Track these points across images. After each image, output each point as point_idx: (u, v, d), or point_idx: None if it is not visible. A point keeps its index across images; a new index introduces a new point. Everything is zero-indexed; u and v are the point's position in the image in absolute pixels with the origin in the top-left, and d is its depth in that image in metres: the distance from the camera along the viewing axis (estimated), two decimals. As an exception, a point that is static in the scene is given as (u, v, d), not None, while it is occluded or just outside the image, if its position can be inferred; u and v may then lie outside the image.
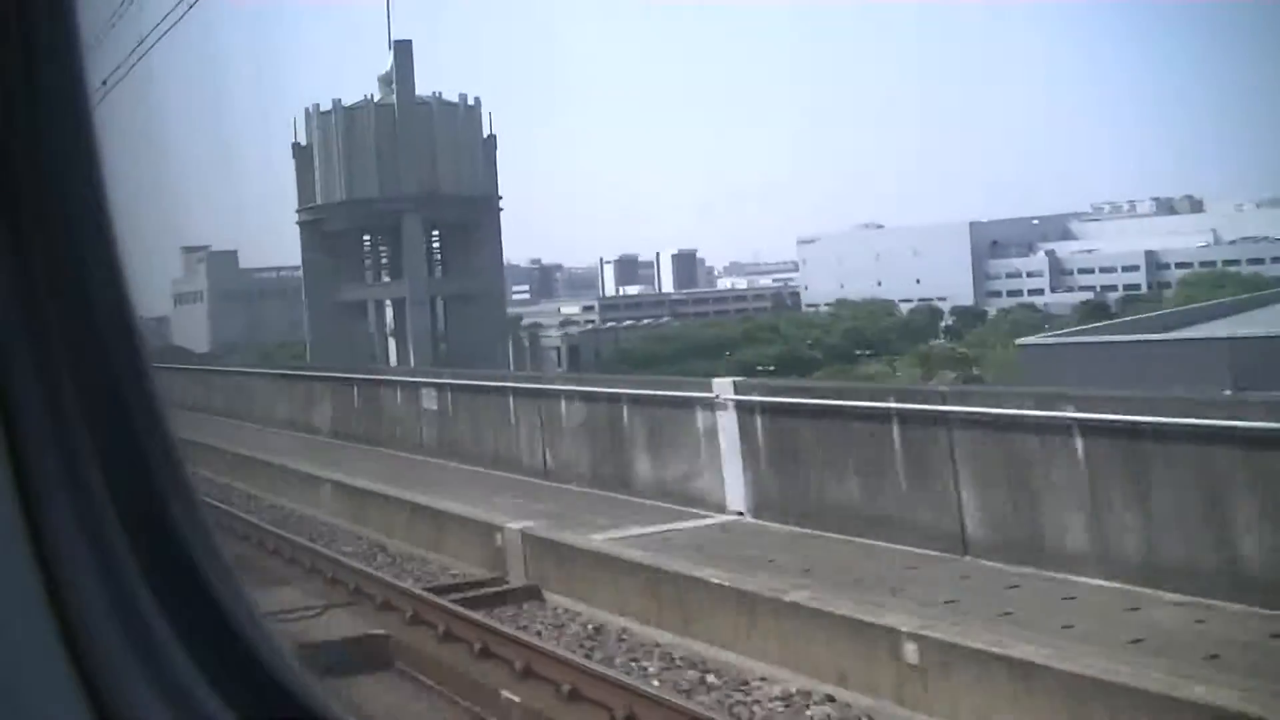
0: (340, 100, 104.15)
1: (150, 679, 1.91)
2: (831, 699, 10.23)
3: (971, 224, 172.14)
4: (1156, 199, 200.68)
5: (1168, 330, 49.77)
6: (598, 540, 14.43)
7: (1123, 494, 10.89)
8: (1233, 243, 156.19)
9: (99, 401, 1.98)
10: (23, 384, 1.86)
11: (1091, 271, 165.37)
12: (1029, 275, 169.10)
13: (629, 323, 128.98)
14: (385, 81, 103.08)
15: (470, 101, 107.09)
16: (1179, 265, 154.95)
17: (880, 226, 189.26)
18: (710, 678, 11.08)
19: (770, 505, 15.00)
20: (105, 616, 1.88)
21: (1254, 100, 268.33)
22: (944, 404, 12.93)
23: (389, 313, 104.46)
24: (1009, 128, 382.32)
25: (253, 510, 21.32)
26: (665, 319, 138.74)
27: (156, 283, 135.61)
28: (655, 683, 10.85)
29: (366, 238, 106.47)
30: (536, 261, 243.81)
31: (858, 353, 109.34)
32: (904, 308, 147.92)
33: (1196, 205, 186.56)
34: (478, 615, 12.85)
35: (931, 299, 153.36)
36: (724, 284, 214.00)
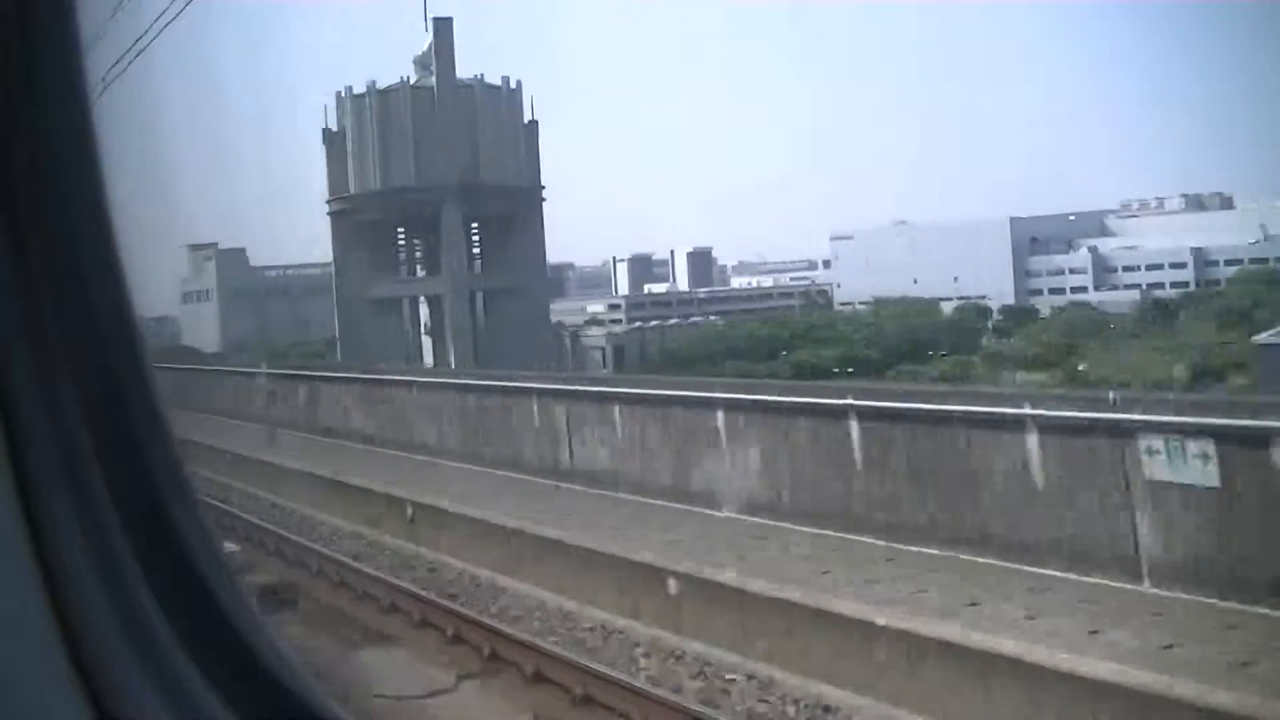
0: (375, 82, 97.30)
1: (150, 679, 1.92)
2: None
3: (1012, 220, 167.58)
4: (1186, 195, 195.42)
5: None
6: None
7: None
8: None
9: (99, 401, 1.99)
10: (23, 384, 1.87)
11: (1136, 269, 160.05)
12: (1071, 272, 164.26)
13: (674, 321, 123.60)
14: (422, 63, 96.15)
15: (512, 84, 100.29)
16: (1228, 262, 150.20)
17: (903, 223, 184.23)
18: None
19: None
20: (105, 616, 1.89)
21: (1260, 98, 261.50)
22: None
23: (423, 310, 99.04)
24: (1020, 126, 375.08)
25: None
26: (712, 317, 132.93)
27: (164, 282, 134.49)
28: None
29: (401, 230, 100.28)
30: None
31: (930, 353, 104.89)
32: (944, 306, 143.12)
33: (1226, 202, 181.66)
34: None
35: (970, 297, 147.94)
36: (737, 282, 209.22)
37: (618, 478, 19.03)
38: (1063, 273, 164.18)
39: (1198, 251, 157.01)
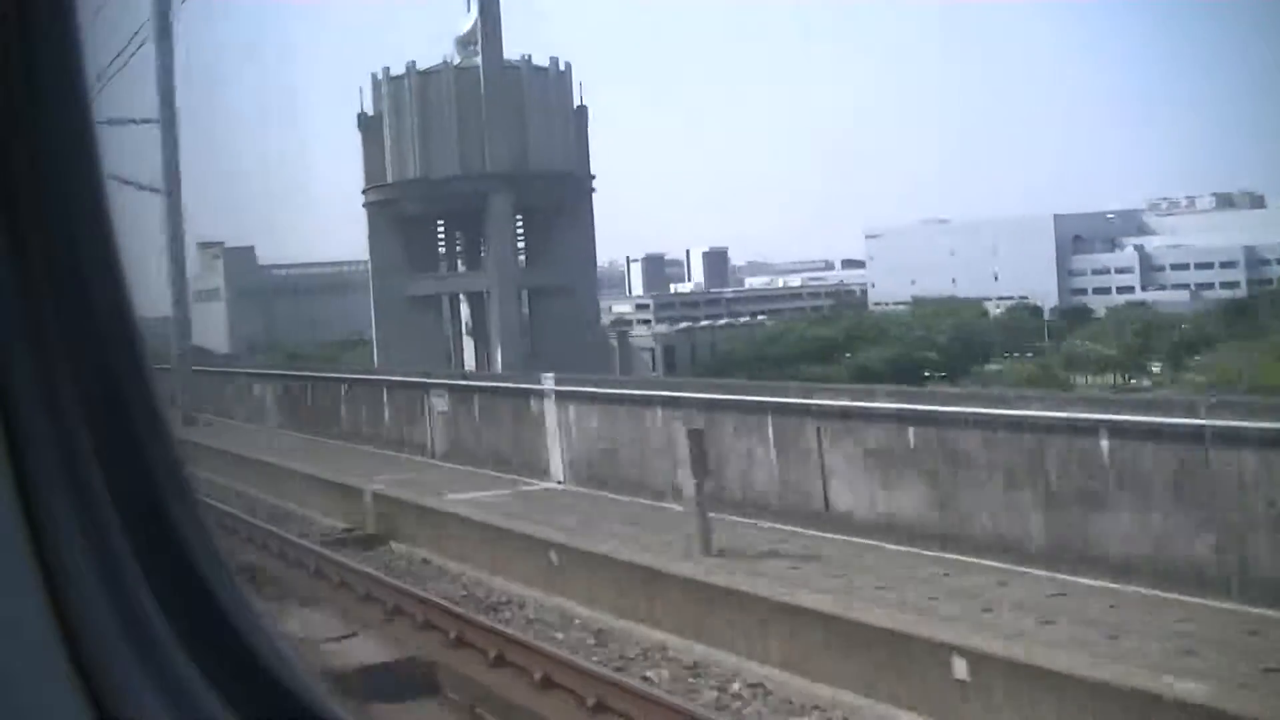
0: (414, 63, 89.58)
1: (150, 679, 1.93)
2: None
3: (1056, 217, 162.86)
4: (1217, 194, 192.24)
5: None
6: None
7: None
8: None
9: (99, 401, 2.00)
10: (23, 384, 1.88)
11: (1185, 267, 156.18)
12: (1117, 271, 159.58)
13: (725, 321, 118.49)
14: (463, 43, 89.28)
15: (560, 67, 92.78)
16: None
17: (943, 220, 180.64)
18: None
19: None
20: (105, 616, 1.90)
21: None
22: None
23: (464, 308, 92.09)
24: (1037, 126, 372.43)
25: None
26: (760, 317, 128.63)
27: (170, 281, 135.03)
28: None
29: (440, 224, 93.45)
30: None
31: (1007, 354, 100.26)
32: (988, 307, 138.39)
33: (1257, 201, 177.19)
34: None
35: (1011, 297, 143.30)
36: (750, 283, 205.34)
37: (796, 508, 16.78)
38: (1107, 271, 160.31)
39: (1249, 250, 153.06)
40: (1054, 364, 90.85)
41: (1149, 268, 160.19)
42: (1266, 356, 75.83)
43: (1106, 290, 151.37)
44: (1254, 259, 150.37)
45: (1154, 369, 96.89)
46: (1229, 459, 11.96)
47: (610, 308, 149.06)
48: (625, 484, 20.45)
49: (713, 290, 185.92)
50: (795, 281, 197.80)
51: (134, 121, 26.42)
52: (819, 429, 16.69)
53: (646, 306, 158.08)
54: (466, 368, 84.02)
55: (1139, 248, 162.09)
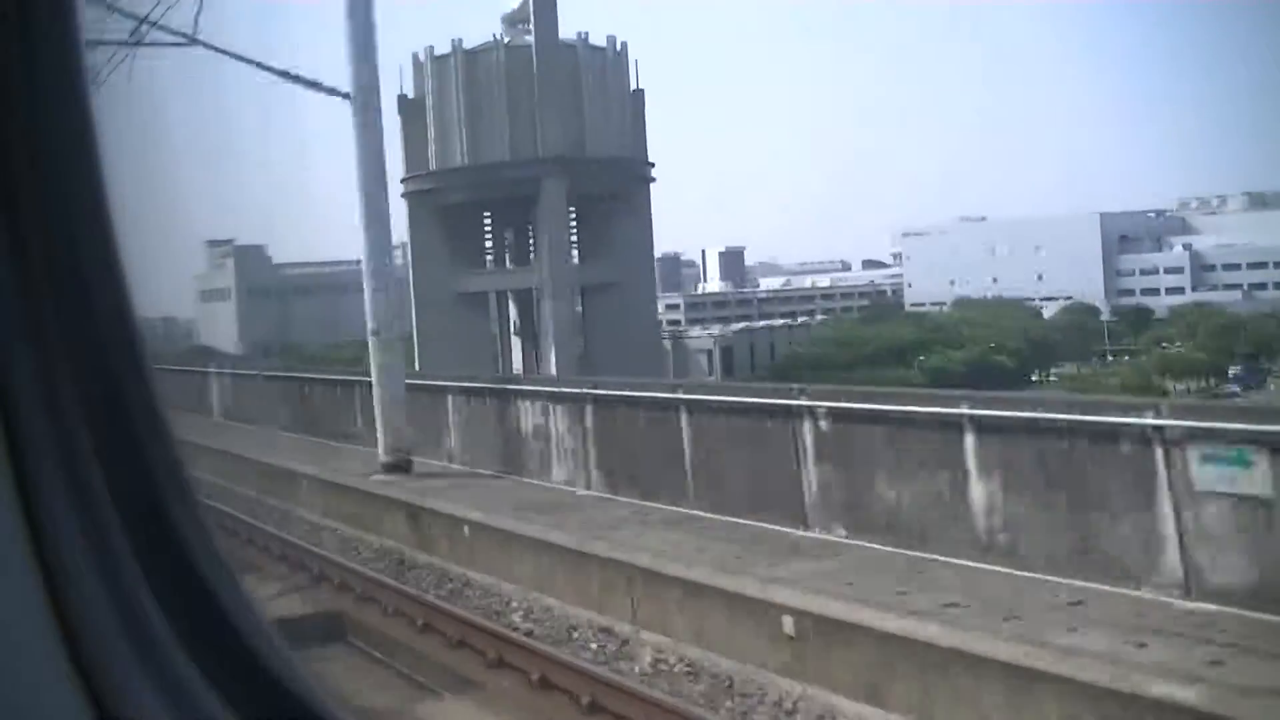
0: (460, 41, 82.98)
1: (150, 679, 1.92)
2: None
3: (1102, 215, 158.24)
4: (1249, 194, 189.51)
5: None
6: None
7: None
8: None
9: (99, 401, 1.99)
10: (23, 384, 1.87)
11: (1237, 267, 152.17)
12: (1166, 271, 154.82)
13: (783, 323, 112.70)
14: (510, 21, 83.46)
15: (618, 46, 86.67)
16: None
17: (983, 219, 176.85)
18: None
19: None
20: (105, 616, 1.89)
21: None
22: None
23: (511, 307, 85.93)
24: (1053, 125, 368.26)
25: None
26: (819, 317, 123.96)
27: (180, 280, 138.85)
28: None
29: (487, 215, 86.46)
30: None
31: (1070, 358, 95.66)
32: (1032, 308, 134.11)
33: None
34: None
35: (1056, 297, 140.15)
36: (766, 283, 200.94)
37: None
38: (1156, 271, 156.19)
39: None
40: (1147, 368, 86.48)
41: (1198, 267, 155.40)
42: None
43: (1155, 291, 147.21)
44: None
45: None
46: None
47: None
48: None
49: (743, 290, 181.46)
50: (824, 282, 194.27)
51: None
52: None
53: (676, 307, 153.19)
54: (514, 370, 78.23)
55: (1188, 246, 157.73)
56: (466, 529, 17.68)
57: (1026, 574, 11.94)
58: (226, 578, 2.15)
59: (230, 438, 28.42)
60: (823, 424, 14.82)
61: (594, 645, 13.66)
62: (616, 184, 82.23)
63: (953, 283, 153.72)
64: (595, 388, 19.55)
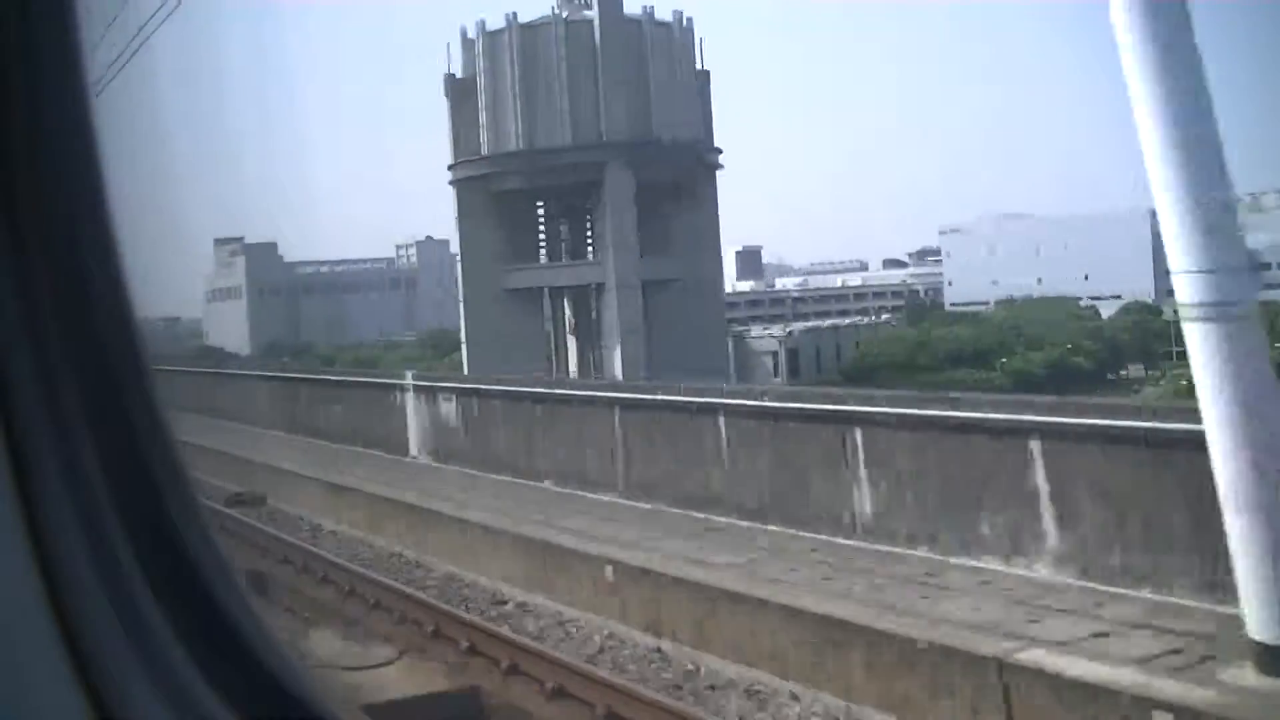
0: (515, 15, 75.33)
1: (150, 679, 1.93)
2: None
3: (1152, 211, 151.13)
4: None
5: None
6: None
7: None
8: None
9: (99, 401, 2.00)
10: (23, 384, 1.88)
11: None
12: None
13: (848, 322, 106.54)
14: None
15: (684, 22, 79.13)
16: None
17: (1020, 215, 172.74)
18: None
19: None
20: (105, 616, 1.90)
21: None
22: None
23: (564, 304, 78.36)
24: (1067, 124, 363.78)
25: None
26: (884, 317, 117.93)
27: (187, 279, 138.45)
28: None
29: (540, 205, 78.89)
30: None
31: (1169, 355, 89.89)
32: (1096, 307, 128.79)
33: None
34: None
35: (1103, 296, 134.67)
36: (781, 283, 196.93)
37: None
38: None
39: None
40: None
41: (1253, 265, 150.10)
42: None
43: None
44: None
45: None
46: None
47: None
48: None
49: (775, 290, 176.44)
50: (854, 281, 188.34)
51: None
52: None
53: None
54: (570, 373, 71.68)
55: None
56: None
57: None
58: (226, 578, 2.13)
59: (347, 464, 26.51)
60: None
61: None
62: (683, 171, 74.95)
63: (995, 282, 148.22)
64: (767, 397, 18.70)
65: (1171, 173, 11.25)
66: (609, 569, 15.11)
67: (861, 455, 15.45)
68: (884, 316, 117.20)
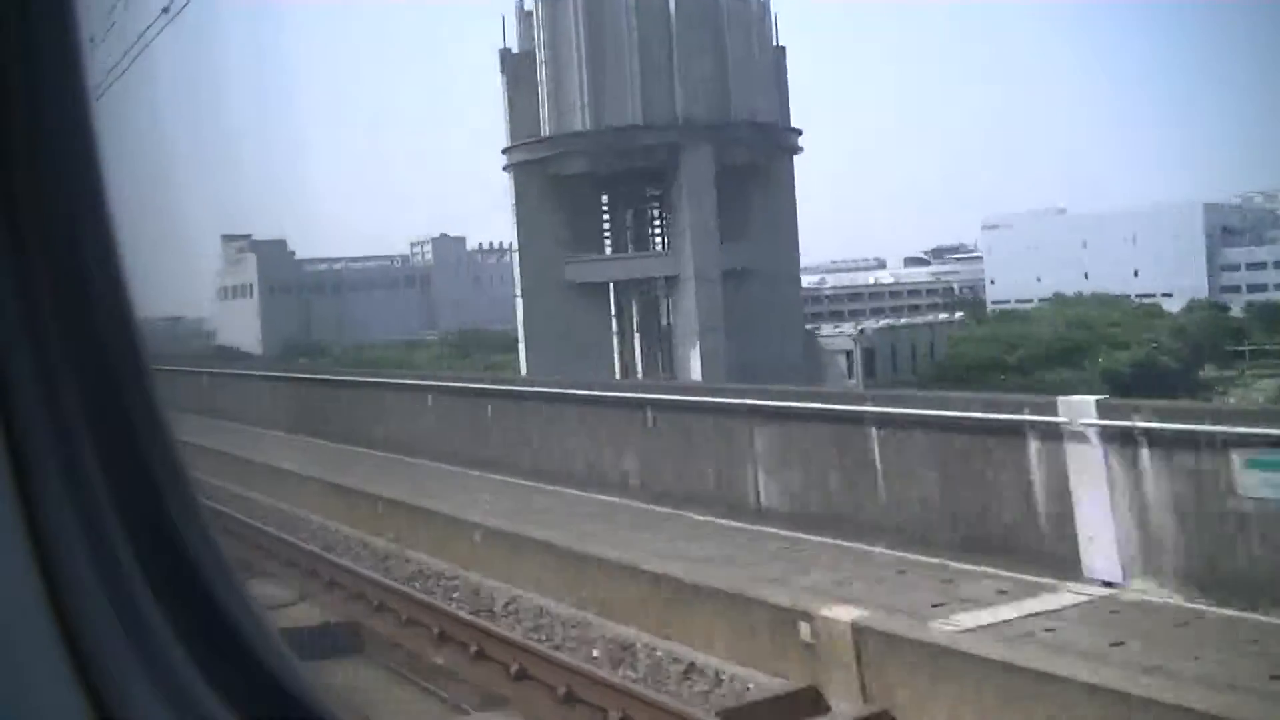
0: None
1: (150, 679, 1.91)
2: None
3: (1206, 206, 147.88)
4: None
5: None
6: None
7: None
8: None
9: (99, 401, 1.98)
10: (23, 384, 1.87)
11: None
12: (1275, 266, 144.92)
13: (924, 320, 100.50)
14: None
15: None
16: None
17: (1062, 210, 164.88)
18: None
19: None
20: (105, 616, 1.89)
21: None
22: None
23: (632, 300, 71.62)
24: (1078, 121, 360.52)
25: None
26: (956, 315, 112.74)
27: (192, 277, 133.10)
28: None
29: (604, 195, 71.79)
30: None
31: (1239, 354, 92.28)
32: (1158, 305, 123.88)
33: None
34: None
35: (1153, 294, 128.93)
36: (805, 281, 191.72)
37: None
38: (1264, 266, 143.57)
39: None
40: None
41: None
42: None
43: (1262, 287, 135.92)
44: None
45: None
46: None
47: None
48: None
49: (809, 287, 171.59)
50: (886, 278, 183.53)
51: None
52: None
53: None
54: (638, 375, 65.69)
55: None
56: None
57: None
58: (226, 578, 2.12)
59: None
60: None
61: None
62: (760, 153, 68.76)
63: (1039, 279, 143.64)
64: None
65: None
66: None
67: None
68: (957, 315, 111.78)
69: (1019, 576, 11.94)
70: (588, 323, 67.39)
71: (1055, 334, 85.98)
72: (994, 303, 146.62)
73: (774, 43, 72.20)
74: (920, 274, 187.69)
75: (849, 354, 78.61)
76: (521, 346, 69.12)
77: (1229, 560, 10.64)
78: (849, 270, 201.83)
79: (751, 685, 11.26)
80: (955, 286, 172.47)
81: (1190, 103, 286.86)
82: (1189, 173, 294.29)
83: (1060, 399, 12.44)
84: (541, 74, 68.24)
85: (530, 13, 69.05)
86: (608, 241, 70.96)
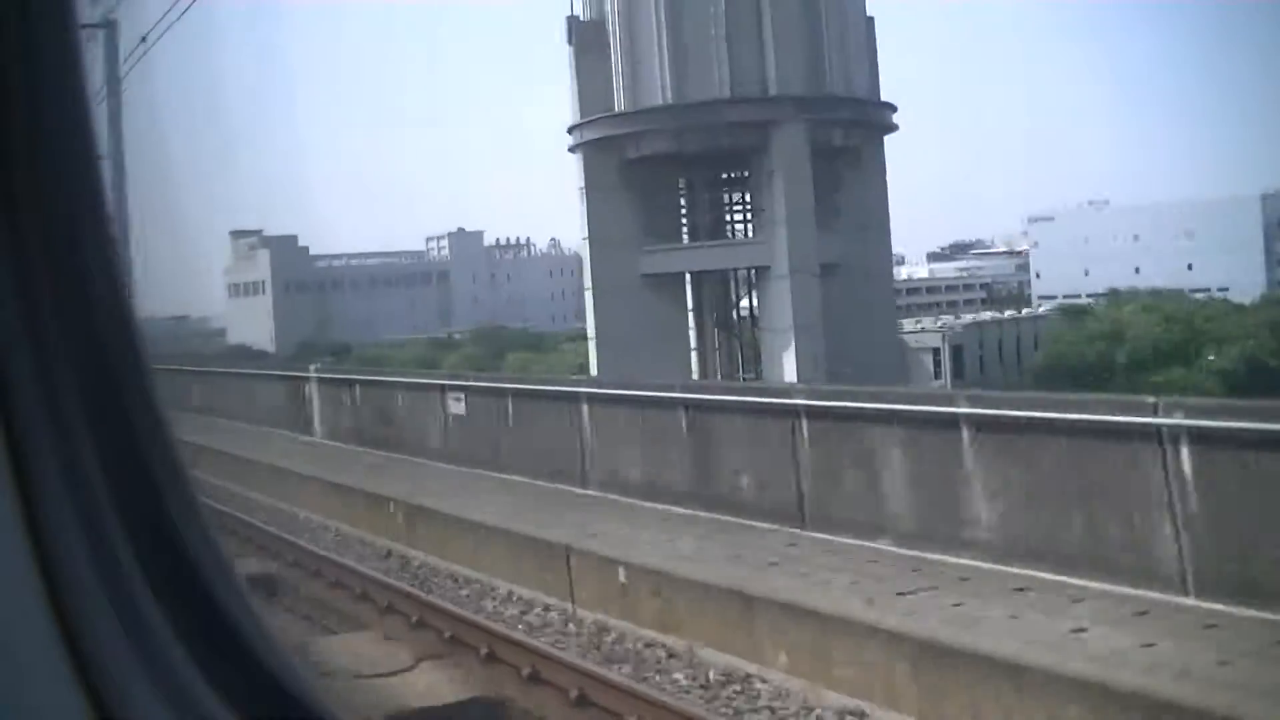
0: None
1: (150, 679, 1.92)
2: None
3: (1264, 197, 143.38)
4: None
5: None
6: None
7: None
8: None
9: (99, 401, 1.98)
10: (23, 384, 1.87)
11: None
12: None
13: (1010, 314, 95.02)
14: None
15: None
16: None
17: (1106, 202, 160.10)
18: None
19: None
20: (105, 616, 1.89)
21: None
22: None
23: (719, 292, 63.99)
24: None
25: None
26: (1025, 311, 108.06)
27: (200, 275, 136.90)
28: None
29: (681, 180, 64.34)
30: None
31: None
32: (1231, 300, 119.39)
33: None
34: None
35: (1208, 288, 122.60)
36: None
37: None
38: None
39: None
40: None
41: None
42: None
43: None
44: None
45: None
46: None
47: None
48: None
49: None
50: (919, 273, 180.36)
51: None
52: None
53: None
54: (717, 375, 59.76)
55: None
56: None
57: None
58: (226, 578, 2.11)
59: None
60: None
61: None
62: (854, 133, 62.57)
63: (1087, 273, 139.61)
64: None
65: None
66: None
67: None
68: (1040, 309, 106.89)
69: None
70: (667, 318, 61.07)
71: (1160, 331, 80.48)
72: (1040, 297, 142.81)
73: (865, 12, 65.45)
74: (948, 269, 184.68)
75: (935, 351, 73.10)
76: (591, 344, 62.52)
77: None
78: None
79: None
80: (990, 280, 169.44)
81: (1208, 99, 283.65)
82: (1226, 169, 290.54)
83: None
84: (614, 43, 61.42)
85: (600, -26, 62.32)
86: (685, 230, 64.45)
